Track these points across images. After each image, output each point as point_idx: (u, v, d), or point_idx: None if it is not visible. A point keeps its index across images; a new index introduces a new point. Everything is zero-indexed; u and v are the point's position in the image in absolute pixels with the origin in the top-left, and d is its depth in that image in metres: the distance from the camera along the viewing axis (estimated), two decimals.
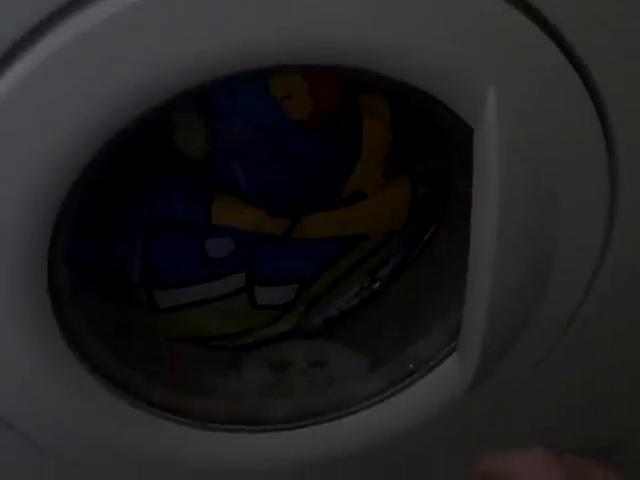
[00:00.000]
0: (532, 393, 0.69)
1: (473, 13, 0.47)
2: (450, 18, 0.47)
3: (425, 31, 0.47)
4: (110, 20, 0.44)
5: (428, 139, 0.70)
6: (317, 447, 0.67)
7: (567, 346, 0.66)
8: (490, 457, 0.40)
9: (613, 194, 0.57)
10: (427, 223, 0.75)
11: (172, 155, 0.67)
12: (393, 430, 0.66)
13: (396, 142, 0.70)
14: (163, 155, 0.67)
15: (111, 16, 0.44)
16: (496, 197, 0.51)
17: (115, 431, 0.61)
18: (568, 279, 0.60)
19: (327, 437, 0.66)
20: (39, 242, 0.50)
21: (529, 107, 0.50)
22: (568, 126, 0.52)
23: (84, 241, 0.64)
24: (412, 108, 0.62)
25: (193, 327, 0.75)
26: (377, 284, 0.78)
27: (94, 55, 0.45)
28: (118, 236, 0.70)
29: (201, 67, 0.46)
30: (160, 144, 0.66)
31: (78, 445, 0.61)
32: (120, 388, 0.60)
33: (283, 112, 0.66)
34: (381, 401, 0.66)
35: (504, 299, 0.57)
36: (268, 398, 0.69)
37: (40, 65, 0.45)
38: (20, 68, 0.45)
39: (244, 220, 0.70)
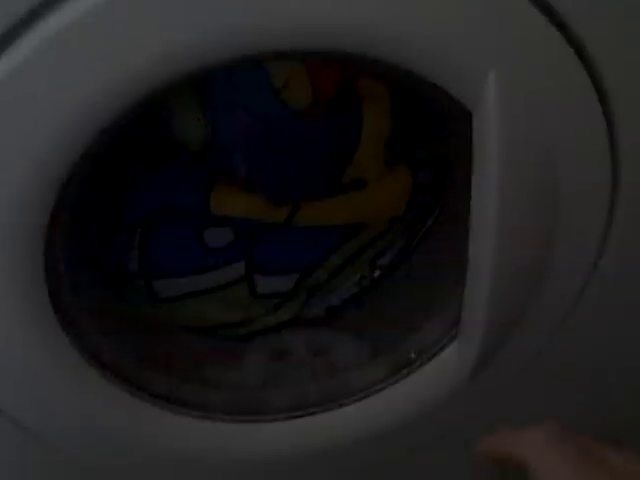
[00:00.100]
0: (532, 381, 0.69)
1: None
2: (449, 0, 0.47)
3: (423, 14, 0.47)
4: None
5: (428, 125, 0.69)
6: (318, 436, 0.66)
7: (567, 335, 0.65)
8: (497, 436, 0.40)
9: (614, 180, 0.57)
10: (428, 211, 0.75)
11: (171, 145, 0.67)
12: (394, 418, 0.66)
13: (396, 129, 0.70)
14: (162, 145, 0.67)
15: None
16: (495, 183, 0.51)
17: (114, 422, 0.61)
18: (568, 267, 0.60)
19: (328, 426, 0.66)
20: (36, 232, 0.50)
21: (529, 91, 0.50)
22: (568, 110, 0.52)
23: (82, 231, 0.64)
24: (412, 94, 0.62)
25: (193, 317, 0.74)
26: (378, 272, 0.77)
27: (89, 41, 0.44)
28: (117, 226, 0.70)
29: (202, 52, 0.46)
30: (159, 134, 0.66)
31: (77, 436, 0.61)
32: (119, 378, 0.60)
33: (282, 100, 0.65)
34: (382, 389, 0.66)
35: (504, 287, 0.57)
36: (269, 387, 0.69)
37: (33, 53, 0.44)
38: (12, 56, 0.44)
39: (244, 208, 0.69)
